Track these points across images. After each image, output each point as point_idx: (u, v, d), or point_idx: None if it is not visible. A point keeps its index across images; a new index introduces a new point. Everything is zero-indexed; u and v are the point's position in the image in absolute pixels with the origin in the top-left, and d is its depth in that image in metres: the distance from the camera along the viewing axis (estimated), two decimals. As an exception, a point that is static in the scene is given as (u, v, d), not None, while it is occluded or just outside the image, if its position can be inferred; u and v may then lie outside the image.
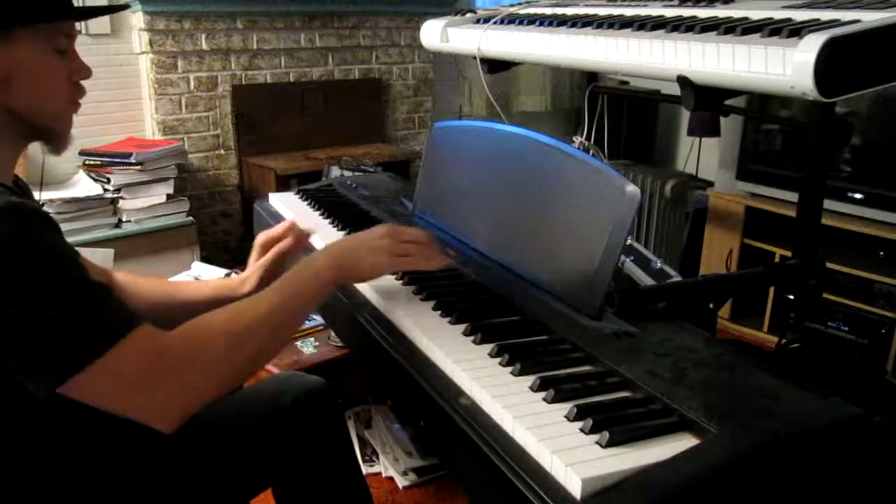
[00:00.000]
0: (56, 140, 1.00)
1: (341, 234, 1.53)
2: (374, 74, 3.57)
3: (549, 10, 1.61)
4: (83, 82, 1.00)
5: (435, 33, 1.75)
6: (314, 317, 2.08)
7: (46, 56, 0.94)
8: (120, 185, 2.67)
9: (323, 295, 1.04)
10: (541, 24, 1.46)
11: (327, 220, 1.62)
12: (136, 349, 0.85)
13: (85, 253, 0.98)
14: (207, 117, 3.11)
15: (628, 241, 1.35)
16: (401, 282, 1.23)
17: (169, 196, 2.79)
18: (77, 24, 0.98)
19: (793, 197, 2.46)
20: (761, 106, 2.79)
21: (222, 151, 3.18)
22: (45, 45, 0.93)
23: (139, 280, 1.26)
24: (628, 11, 1.40)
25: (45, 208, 1.14)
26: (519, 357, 0.95)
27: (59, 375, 0.82)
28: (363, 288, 1.22)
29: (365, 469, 1.86)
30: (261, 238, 1.30)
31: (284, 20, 3.22)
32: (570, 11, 1.54)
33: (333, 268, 1.04)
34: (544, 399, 0.86)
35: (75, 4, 0.97)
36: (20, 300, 0.80)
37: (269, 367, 1.85)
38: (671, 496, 0.72)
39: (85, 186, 2.70)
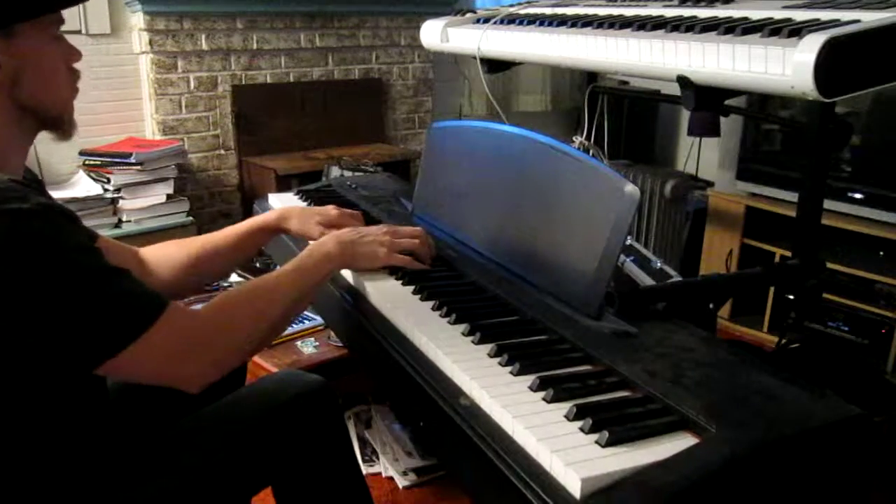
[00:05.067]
0: (64, 127, 1.03)
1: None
2: (374, 74, 3.57)
3: (549, 10, 1.61)
4: (76, 66, 1.02)
5: (435, 33, 1.76)
6: (314, 317, 2.08)
7: (47, 45, 0.96)
8: (120, 185, 2.67)
9: (329, 275, 1.16)
10: (541, 24, 1.46)
11: (327, 220, 1.61)
12: (171, 326, 0.91)
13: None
14: (207, 117, 3.11)
15: (628, 241, 1.35)
16: (400, 282, 1.23)
17: (169, 196, 2.79)
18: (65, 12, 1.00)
19: (793, 197, 2.46)
20: (761, 106, 2.79)
21: (222, 151, 3.18)
22: (43, 35, 0.95)
23: (168, 246, 1.32)
24: (628, 11, 1.40)
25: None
26: (518, 357, 0.95)
27: (96, 359, 0.88)
28: (363, 287, 1.22)
29: (365, 469, 1.86)
30: (334, 212, 1.38)
31: (284, 20, 3.22)
32: (570, 11, 1.54)
33: (339, 252, 1.16)
34: (544, 399, 0.86)
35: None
36: (60, 294, 0.84)
37: (269, 366, 1.85)
38: (670, 496, 0.72)
39: (85, 186, 2.70)
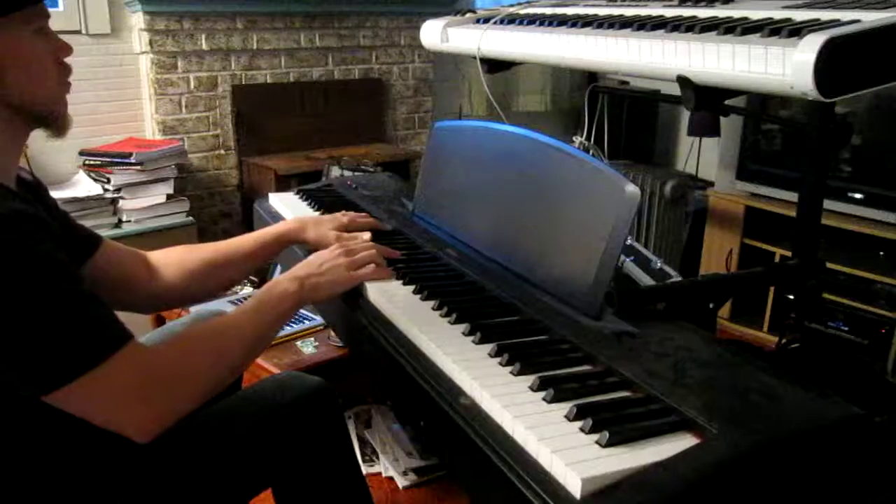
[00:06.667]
0: (56, 123, 1.01)
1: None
2: (374, 74, 3.57)
3: (549, 10, 1.61)
4: (67, 60, 1.00)
5: (435, 33, 1.76)
6: (314, 317, 2.08)
7: (30, 41, 0.94)
8: (120, 185, 2.67)
9: (290, 313, 1.12)
10: (541, 24, 1.46)
11: (327, 220, 1.61)
12: (125, 365, 0.87)
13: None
14: (207, 117, 3.11)
15: (628, 241, 1.35)
16: (401, 282, 1.23)
17: (169, 196, 2.79)
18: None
19: (793, 197, 2.46)
20: (761, 106, 2.79)
21: (222, 151, 3.18)
22: (26, 30, 0.93)
23: (179, 250, 1.31)
24: (628, 11, 1.40)
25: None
26: (519, 357, 0.95)
27: (46, 385, 0.84)
28: (364, 287, 1.22)
29: (365, 469, 1.86)
30: (345, 219, 1.41)
31: (284, 20, 3.22)
32: (570, 11, 1.54)
33: (296, 288, 1.11)
34: (544, 399, 0.86)
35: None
36: (15, 310, 0.81)
37: (269, 366, 1.85)
38: (671, 496, 0.72)
39: (85, 186, 2.70)
